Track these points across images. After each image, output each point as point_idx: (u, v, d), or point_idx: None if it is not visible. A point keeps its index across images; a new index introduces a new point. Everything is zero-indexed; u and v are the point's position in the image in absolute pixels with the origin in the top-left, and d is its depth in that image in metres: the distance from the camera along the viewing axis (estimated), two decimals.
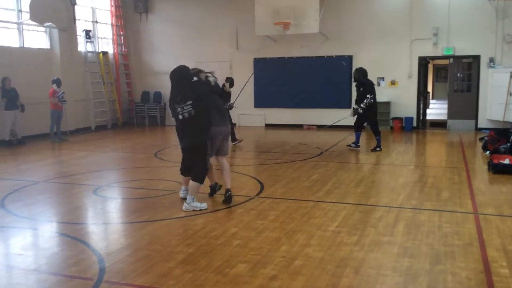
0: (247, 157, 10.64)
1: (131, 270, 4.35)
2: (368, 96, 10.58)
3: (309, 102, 16.05)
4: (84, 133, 15.19)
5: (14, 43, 13.63)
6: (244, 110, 16.62)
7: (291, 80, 16.10)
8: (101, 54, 16.60)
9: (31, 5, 12.84)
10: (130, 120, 18.03)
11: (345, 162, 9.81)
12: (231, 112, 13.12)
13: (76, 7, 15.35)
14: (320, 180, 7.94)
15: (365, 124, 11.42)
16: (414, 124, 15.21)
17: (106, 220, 6.20)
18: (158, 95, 17.65)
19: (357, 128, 11.21)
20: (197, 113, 6.07)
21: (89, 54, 16.19)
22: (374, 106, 10.84)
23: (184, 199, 6.46)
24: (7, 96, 12.23)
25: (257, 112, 16.70)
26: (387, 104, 15.29)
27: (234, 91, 11.99)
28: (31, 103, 13.20)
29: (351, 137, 13.31)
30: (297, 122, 16.24)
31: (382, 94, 15.35)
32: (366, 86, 10.70)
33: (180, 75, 6.21)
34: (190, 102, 6.03)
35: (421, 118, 15.74)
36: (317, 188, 7.41)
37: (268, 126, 16.58)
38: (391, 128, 15.22)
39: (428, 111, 18.61)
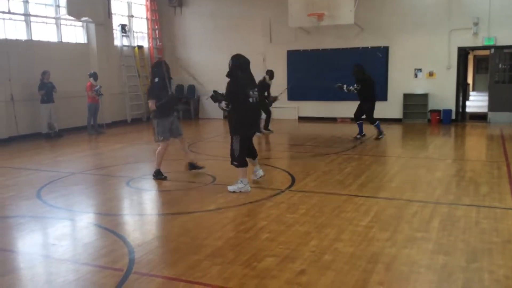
0: (279, 150, 10.56)
1: (160, 261, 4.37)
2: (355, 85, 11.36)
3: (343, 94, 15.63)
4: (120, 126, 15.45)
5: (53, 37, 13.96)
6: (277, 103, 16.44)
7: (325, 72, 15.87)
8: (136, 48, 16.84)
9: (68, 0, 13.10)
10: None
11: (380, 155, 9.61)
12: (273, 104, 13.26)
13: (112, 1, 15.63)
14: (353, 174, 7.79)
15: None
16: (453, 116, 14.76)
17: (138, 211, 6.26)
18: (192, 89, 17.76)
19: (357, 118, 11.63)
20: (258, 99, 6.85)
21: (125, 48, 16.44)
22: (371, 98, 11.37)
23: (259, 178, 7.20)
24: (45, 89, 12.52)
25: (291, 105, 16.57)
26: (425, 96, 14.89)
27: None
28: (68, 96, 13.53)
29: (388, 130, 13.07)
30: (331, 115, 16.03)
31: (419, 86, 14.99)
32: (360, 81, 11.34)
33: (249, 63, 6.73)
34: (256, 89, 6.72)
35: (460, 110, 15.25)
36: (349, 181, 7.27)
37: (301, 119, 16.43)
38: (429, 120, 14.82)
39: (468, 103, 18.03)
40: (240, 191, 6.60)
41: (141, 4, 17.43)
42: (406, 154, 9.75)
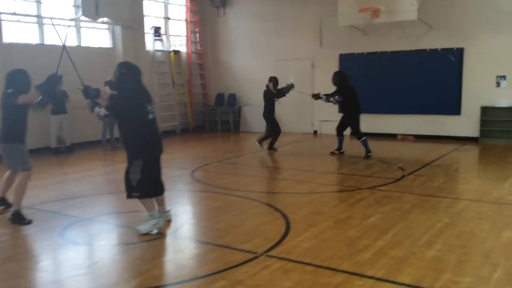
0: (298, 180, 8.22)
1: None
2: (336, 96, 10.13)
3: (405, 106, 13.15)
4: None
5: (72, 41, 12.71)
6: (327, 116, 14.19)
7: (383, 79, 13.33)
8: (172, 53, 15.28)
9: (84, 0, 11.78)
10: (203, 125, 16.55)
11: (429, 194, 6.94)
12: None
13: (145, 2, 14.21)
14: (377, 228, 5.40)
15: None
16: None
17: (35, 281, 4.35)
18: (232, 98, 15.92)
19: (339, 133, 10.56)
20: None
21: (158, 53, 14.94)
22: (356, 110, 10.10)
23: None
24: (55, 99, 11.21)
25: None
26: (509, 110, 11.85)
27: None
28: (84, 106, 12.15)
29: (456, 153, 10.53)
30: (389, 131, 13.40)
31: (503, 98, 12.00)
32: (342, 90, 10.09)
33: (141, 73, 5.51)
34: (152, 103, 5.43)
35: None
36: (364, 243, 4.90)
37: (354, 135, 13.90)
38: None
39: None
40: (156, 229, 5.28)
41: (180, 5, 15.88)
42: (469, 194, 7.09)
